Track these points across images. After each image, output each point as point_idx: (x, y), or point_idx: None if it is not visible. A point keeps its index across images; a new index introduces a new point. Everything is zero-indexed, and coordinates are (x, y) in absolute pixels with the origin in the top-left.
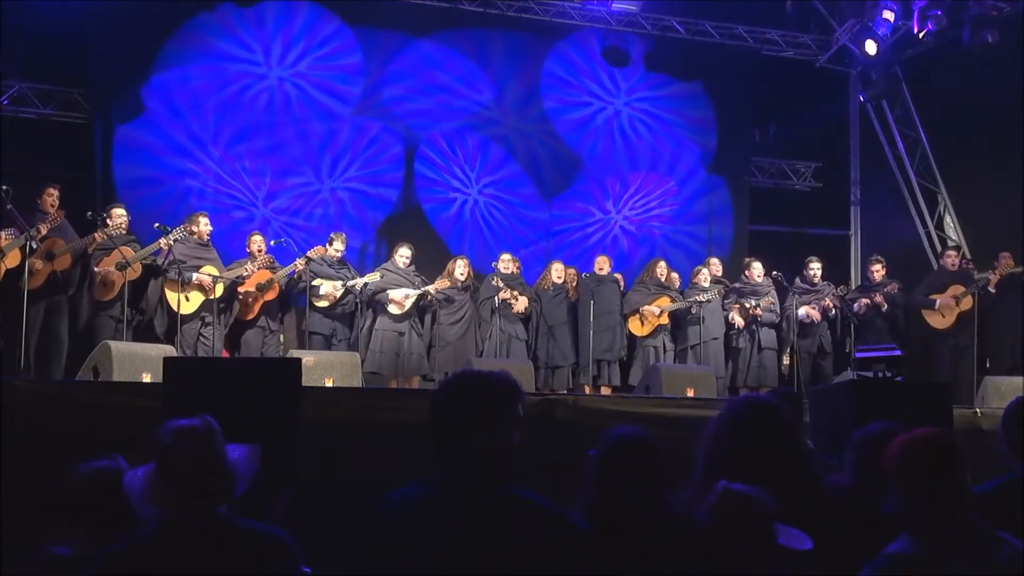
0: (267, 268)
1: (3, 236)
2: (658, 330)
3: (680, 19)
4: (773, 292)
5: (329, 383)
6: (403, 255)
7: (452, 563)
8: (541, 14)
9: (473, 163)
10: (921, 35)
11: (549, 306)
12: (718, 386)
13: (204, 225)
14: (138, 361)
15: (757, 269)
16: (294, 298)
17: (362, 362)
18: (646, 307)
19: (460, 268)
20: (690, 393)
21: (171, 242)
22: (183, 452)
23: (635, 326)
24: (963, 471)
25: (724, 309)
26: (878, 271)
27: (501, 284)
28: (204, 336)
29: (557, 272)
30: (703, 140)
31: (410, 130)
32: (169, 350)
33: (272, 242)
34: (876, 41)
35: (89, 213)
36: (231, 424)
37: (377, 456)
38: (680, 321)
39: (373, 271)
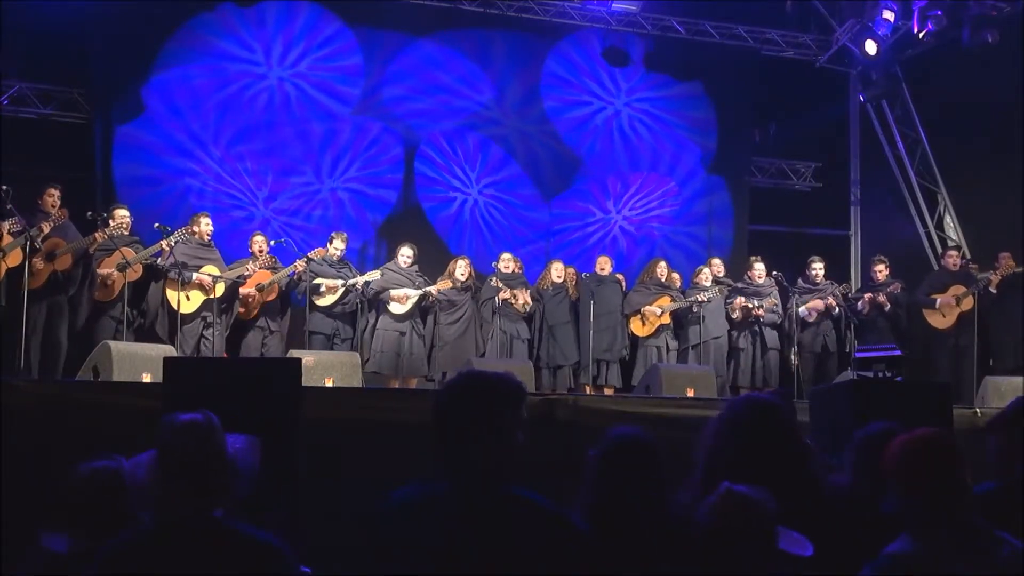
0: (269, 268)
1: (6, 227)
2: (660, 330)
3: (680, 19)
4: (776, 293)
5: (329, 383)
6: (405, 255)
7: (452, 563)
8: (541, 14)
9: (473, 163)
10: (921, 35)
11: (550, 305)
12: (719, 386)
13: (206, 225)
14: (138, 361)
15: (759, 270)
16: (294, 298)
17: (365, 362)
18: (647, 307)
19: (461, 268)
20: (690, 393)
21: (172, 244)
22: (184, 446)
23: (637, 326)
24: (963, 471)
25: (727, 308)
26: (881, 271)
27: (500, 284)
28: (206, 337)
29: (557, 271)
30: (703, 140)
31: (410, 130)
32: (169, 350)
33: (272, 242)
34: (876, 41)
35: (89, 213)
36: (231, 424)
37: (377, 456)
38: (681, 321)
39: (374, 270)
